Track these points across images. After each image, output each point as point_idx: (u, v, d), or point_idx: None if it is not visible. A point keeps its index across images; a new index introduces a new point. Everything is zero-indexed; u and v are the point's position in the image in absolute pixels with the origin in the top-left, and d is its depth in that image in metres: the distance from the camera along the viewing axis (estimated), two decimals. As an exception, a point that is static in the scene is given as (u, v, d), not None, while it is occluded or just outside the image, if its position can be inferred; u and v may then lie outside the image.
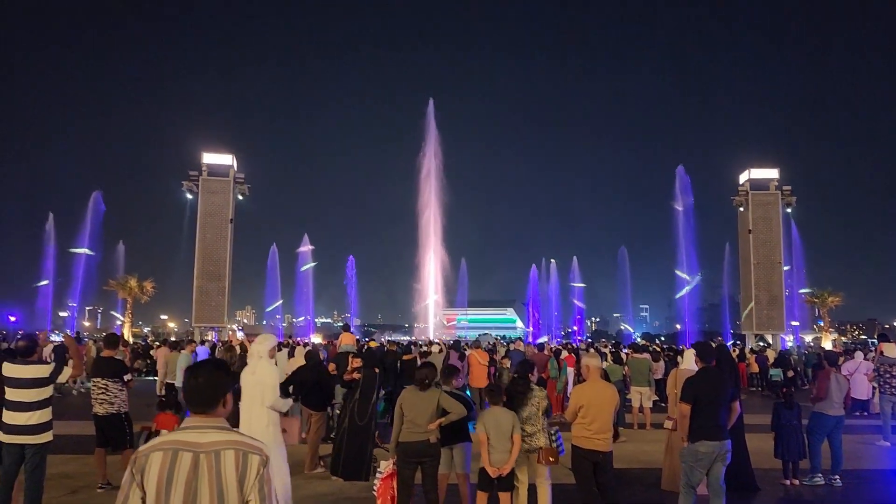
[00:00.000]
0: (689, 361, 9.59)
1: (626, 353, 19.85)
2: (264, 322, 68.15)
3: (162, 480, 2.67)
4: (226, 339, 33.04)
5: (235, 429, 2.93)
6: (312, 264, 63.55)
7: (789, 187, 49.63)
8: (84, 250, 49.61)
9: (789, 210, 50.02)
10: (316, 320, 76.49)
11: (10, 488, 7.23)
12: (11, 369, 7.26)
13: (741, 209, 50.32)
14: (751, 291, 48.65)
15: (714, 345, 9.54)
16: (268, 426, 7.65)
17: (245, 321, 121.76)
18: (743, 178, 50.53)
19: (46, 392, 7.35)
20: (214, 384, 2.88)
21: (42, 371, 7.33)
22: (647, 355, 17.71)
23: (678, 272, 54.75)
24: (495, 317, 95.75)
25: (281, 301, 64.55)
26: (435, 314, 66.28)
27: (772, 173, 50.12)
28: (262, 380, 7.75)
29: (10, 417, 7.16)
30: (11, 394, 7.19)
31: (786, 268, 49.78)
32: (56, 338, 29.36)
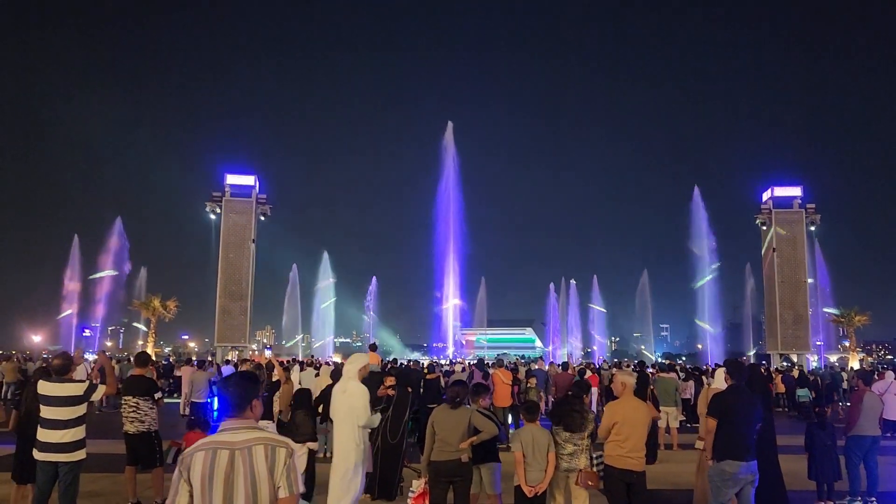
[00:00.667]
0: (720, 381, 9.46)
1: (653, 373, 19.65)
2: (283, 343, 68.29)
3: (205, 475, 3.11)
4: (247, 357, 33.15)
5: (261, 428, 3.34)
6: (332, 300, 63.82)
7: (813, 205, 49.17)
8: (108, 272, 50.20)
9: (813, 228, 49.48)
10: (335, 340, 76.66)
11: (45, 506, 7.27)
12: (47, 387, 7.34)
13: (764, 227, 49.89)
14: (775, 310, 48.07)
15: (745, 363, 9.41)
16: (358, 444, 7.81)
17: (265, 341, 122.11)
18: (766, 196, 50.16)
19: (80, 410, 7.41)
20: (243, 392, 3.33)
21: (76, 389, 7.40)
22: (673, 374, 17.51)
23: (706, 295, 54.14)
24: (514, 336, 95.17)
25: (301, 336, 64.88)
26: (454, 333, 66.12)
27: (795, 191, 49.74)
28: (352, 399, 7.91)
29: (45, 435, 7.22)
30: (46, 412, 7.26)
31: (810, 280, 49.11)
32: (91, 356, 29.67)
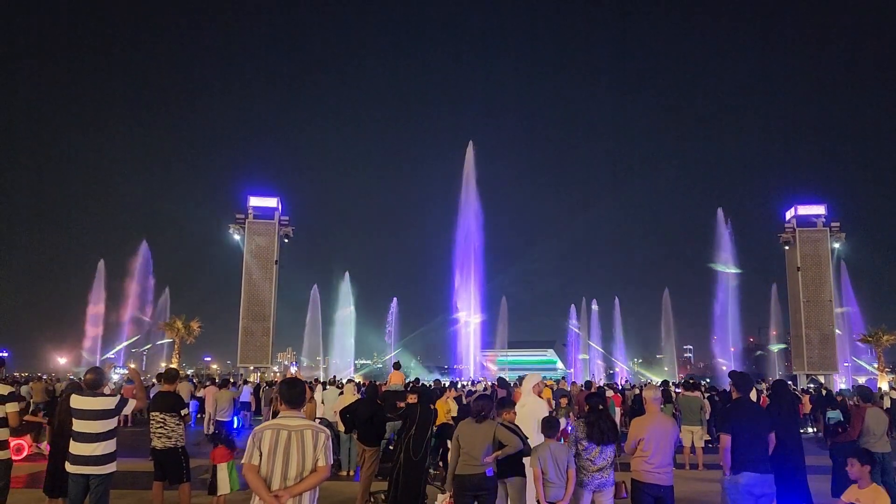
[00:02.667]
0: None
1: (678, 392, 19.46)
2: (295, 364, 68.46)
3: (271, 445, 4.64)
4: (269, 377, 33.30)
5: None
6: (352, 321, 64.07)
7: (838, 223, 48.65)
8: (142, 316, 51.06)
9: (838, 245, 48.90)
10: (356, 362, 76.70)
11: (76, 518, 7.37)
12: (79, 401, 7.47)
13: (787, 247, 49.41)
14: (801, 331, 47.43)
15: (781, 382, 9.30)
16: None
17: (286, 363, 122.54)
18: (789, 214, 49.74)
19: (111, 424, 7.53)
20: (299, 392, 4.98)
21: (108, 403, 7.52)
22: (698, 393, 17.33)
23: (729, 318, 53.54)
24: (536, 358, 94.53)
25: (322, 357, 65.02)
26: (475, 355, 65.85)
27: (819, 209, 49.28)
28: (532, 412, 8.29)
29: (77, 448, 7.34)
30: (78, 425, 7.39)
31: (840, 309, 48.40)
32: (122, 370, 30.06)
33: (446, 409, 14.80)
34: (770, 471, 6.90)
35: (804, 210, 49.37)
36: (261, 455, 4.62)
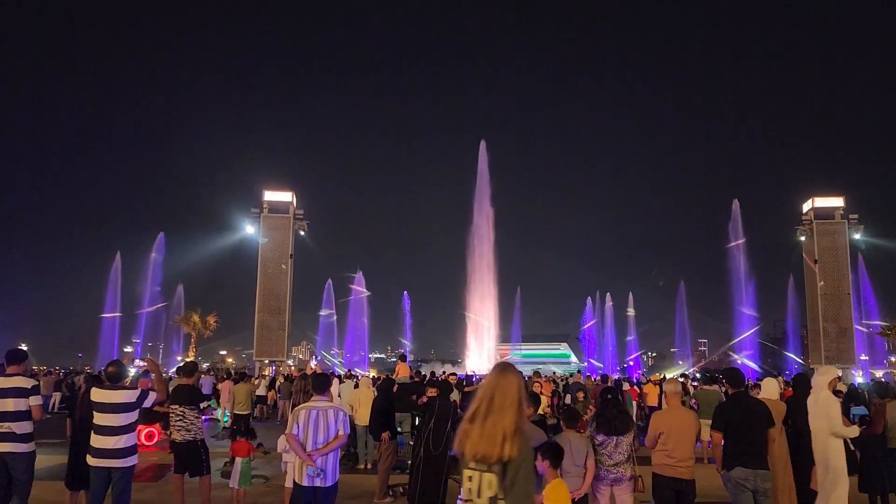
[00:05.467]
0: (767, 391, 9.30)
1: (696, 385, 19.35)
2: (317, 357, 68.65)
3: (306, 419, 6.77)
4: (286, 372, 33.49)
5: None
6: (366, 315, 64.21)
7: (856, 215, 48.10)
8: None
9: (858, 236, 48.34)
10: (370, 356, 76.87)
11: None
12: (100, 394, 7.50)
13: (804, 239, 48.93)
14: (818, 324, 47.00)
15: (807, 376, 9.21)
16: (841, 454, 8.26)
17: (301, 356, 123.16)
18: (806, 206, 49.23)
19: (132, 417, 7.56)
20: (325, 383, 7.35)
21: (128, 396, 7.55)
22: (716, 387, 17.19)
23: (745, 311, 53.11)
24: (549, 352, 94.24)
25: (336, 351, 65.14)
26: (486, 347, 65.61)
27: (837, 201, 48.70)
28: (825, 408, 8.27)
29: (98, 441, 7.37)
30: (99, 418, 7.42)
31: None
32: (141, 362, 30.29)
33: None
34: (764, 466, 6.83)
35: (822, 202, 48.76)
36: (298, 426, 6.73)
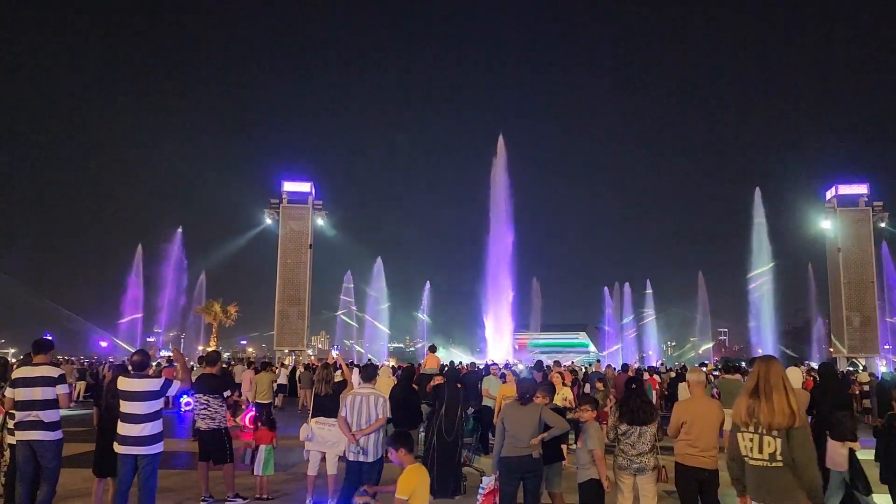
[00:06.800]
0: (790, 380, 9.20)
1: (717, 374, 19.21)
2: (336, 347, 69.05)
3: (353, 404, 7.88)
4: (307, 362, 33.74)
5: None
6: (386, 305, 64.42)
7: (881, 203, 47.36)
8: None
9: (883, 224, 47.60)
10: (388, 346, 77.12)
11: (126, 498, 7.54)
12: (126, 383, 7.62)
13: (828, 227, 48.29)
14: (841, 313, 46.44)
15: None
16: None
17: (320, 346, 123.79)
18: (829, 194, 48.56)
19: (157, 405, 7.67)
20: (371, 374, 8.68)
21: (153, 384, 7.66)
22: (738, 376, 17.04)
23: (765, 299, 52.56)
24: (568, 341, 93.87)
25: (355, 341, 65.40)
26: (505, 335, 65.53)
27: (861, 188, 47.97)
28: None
29: (125, 429, 7.49)
30: (125, 406, 7.54)
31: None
32: (166, 352, 30.70)
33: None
34: None
35: (845, 189, 48.06)
36: (346, 409, 7.85)
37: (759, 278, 52.96)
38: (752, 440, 4.58)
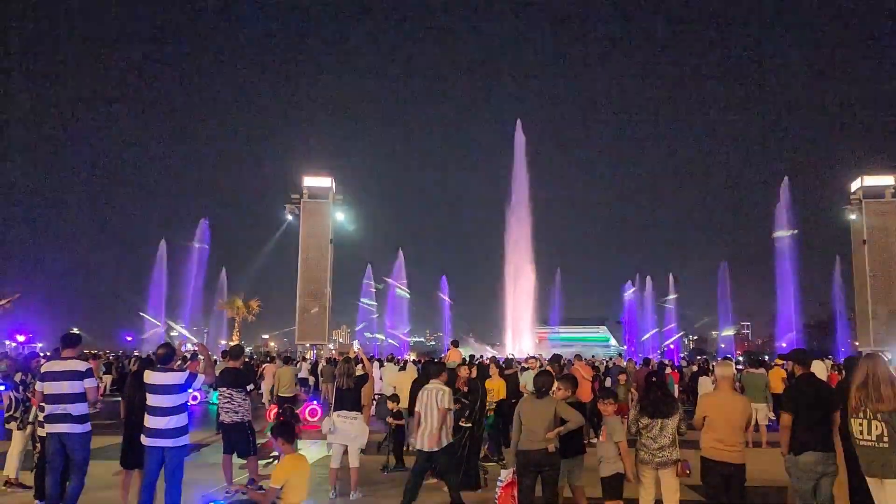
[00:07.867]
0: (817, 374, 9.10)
1: (741, 369, 19.06)
2: (356, 341, 69.40)
3: (422, 397, 8.64)
4: (329, 356, 33.94)
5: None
6: (406, 298, 64.64)
7: (907, 194, 46.64)
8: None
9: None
10: (409, 339, 77.33)
11: (153, 489, 7.65)
12: (151, 376, 7.72)
13: (853, 218, 47.61)
14: (867, 306, 45.83)
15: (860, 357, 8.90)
16: None
17: (341, 340, 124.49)
18: (855, 185, 47.87)
19: (183, 398, 7.76)
20: (440, 368, 9.16)
21: (178, 378, 7.75)
22: (762, 370, 16.90)
23: (790, 292, 51.93)
24: (588, 335, 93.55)
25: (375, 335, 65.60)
26: (524, 329, 65.40)
27: (887, 180, 47.26)
28: None
29: (151, 422, 7.60)
30: (151, 399, 7.65)
31: None
32: (190, 346, 31.10)
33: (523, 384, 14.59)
34: (832, 448, 6.67)
35: (871, 180, 47.43)
36: (418, 403, 8.60)
37: (783, 270, 52.35)
38: (861, 424, 5.61)
